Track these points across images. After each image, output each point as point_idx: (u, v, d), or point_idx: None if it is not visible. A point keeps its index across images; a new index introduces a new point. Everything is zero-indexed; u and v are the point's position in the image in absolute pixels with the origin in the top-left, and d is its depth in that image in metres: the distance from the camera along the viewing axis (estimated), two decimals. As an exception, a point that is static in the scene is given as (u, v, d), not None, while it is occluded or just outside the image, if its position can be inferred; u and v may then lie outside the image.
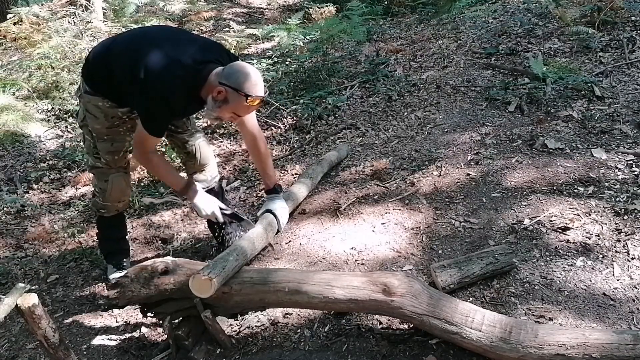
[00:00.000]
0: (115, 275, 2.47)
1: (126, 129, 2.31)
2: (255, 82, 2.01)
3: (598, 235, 2.24)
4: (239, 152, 3.80)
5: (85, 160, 2.49)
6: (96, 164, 2.38)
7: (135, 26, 5.32)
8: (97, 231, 2.66)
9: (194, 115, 2.54)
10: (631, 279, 2.01)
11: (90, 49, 2.49)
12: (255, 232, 2.33)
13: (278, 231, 2.47)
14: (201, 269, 1.85)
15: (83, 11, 6.00)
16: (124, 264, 2.60)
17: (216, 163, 2.68)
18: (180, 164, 2.76)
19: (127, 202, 2.60)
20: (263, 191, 2.81)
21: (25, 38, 5.45)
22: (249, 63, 2.58)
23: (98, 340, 2.29)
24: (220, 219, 2.34)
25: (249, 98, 1.99)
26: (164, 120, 2.13)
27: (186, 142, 2.44)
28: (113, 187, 2.40)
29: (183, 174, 2.64)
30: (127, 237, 2.72)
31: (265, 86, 2.03)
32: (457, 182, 2.82)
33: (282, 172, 3.39)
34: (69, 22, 5.80)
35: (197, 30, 6.57)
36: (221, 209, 2.33)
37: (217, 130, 4.12)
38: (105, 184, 2.39)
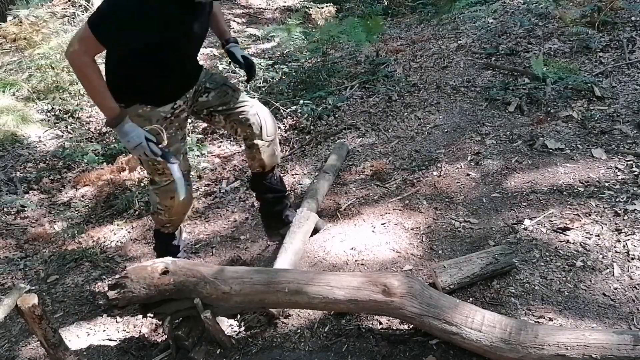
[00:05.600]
0: None
1: (175, 128, 2.19)
2: None
3: (598, 236, 2.24)
4: (239, 152, 3.80)
5: (148, 181, 2.37)
6: (161, 181, 2.23)
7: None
8: (155, 246, 2.58)
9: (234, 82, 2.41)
10: (631, 279, 2.01)
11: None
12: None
13: (251, 78, 2.41)
14: None
15: (83, 12, 5.99)
16: None
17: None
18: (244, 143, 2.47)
19: (189, 210, 2.47)
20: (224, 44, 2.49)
21: (25, 39, 5.43)
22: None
23: (98, 340, 2.29)
24: (152, 153, 1.98)
25: None
26: (120, 23, 1.78)
27: (247, 114, 2.26)
28: (181, 201, 2.27)
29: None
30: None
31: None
32: (457, 182, 2.82)
33: (282, 172, 3.39)
34: (68, 22, 5.79)
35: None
36: (148, 139, 1.96)
37: (217, 131, 4.12)
38: (171, 202, 2.27)
